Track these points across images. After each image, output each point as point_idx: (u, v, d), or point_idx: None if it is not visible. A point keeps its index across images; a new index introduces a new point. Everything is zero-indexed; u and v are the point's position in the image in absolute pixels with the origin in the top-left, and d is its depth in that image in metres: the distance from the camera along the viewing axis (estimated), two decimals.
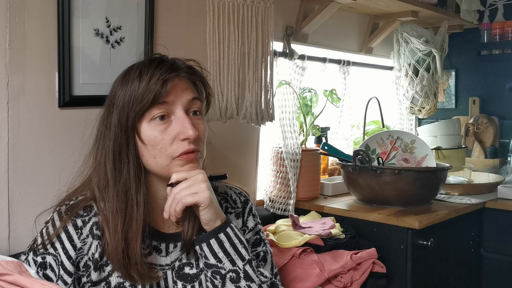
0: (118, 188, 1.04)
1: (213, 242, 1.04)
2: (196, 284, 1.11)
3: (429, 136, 2.47)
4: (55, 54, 1.36)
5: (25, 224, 1.30)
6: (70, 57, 1.38)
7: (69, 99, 1.38)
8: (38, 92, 1.33)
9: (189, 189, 1.02)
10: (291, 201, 1.95)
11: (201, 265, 1.12)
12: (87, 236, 1.04)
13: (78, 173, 1.12)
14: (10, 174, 1.29)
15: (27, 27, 1.30)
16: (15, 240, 1.30)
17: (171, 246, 1.12)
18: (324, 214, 1.93)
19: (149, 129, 1.04)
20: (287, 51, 2.01)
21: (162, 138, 1.03)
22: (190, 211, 1.08)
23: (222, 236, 1.04)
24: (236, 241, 1.05)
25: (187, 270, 1.11)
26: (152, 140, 1.04)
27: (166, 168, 1.05)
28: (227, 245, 1.04)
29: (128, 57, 1.49)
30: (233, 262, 1.04)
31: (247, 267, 1.05)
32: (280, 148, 1.99)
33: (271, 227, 1.76)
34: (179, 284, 1.10)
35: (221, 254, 1.04)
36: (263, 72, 1.76)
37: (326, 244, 1.65)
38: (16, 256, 1.14)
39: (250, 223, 1.22)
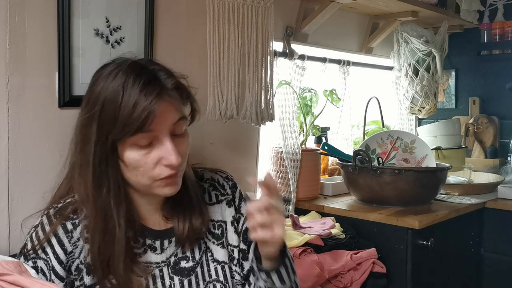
0: (97, 206, 1.00)
1: (281, 269, 1.07)
2: (193, 278, 1.10)
3: (429, 136, 2.47)
4: (55, 54, 1.35)
5: (33, 219, 1.29)
6: (70, 57, 1.38)
7: (69, 99, 1.38)
8: (38, 92, 1.33)
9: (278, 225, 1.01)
10: (291, 201, 1.95)
11: (197, 257, 1.12)
12: (78, 239, 1.03)
13: (63, 174, 1.10)
14: (10, 174, 1.29)
15: (27, 27, 1.30)
16: (15, 240, 1.30)
17: (166, 242, 1.10)
18: (324, 214, 1.93)
19: (131, 152, 0.99)
20: (287, 51, 2.01)
21: (145, 162, 1.00)
22: (179, 208, 1.09)
23: (286, 260, 1.08)
24: (291, 259, 1.10)
25: (183, 264, 1.10)
26: (134, 163, 1.00)
27: (147, 187, 1.03)
28: (289, 268, 1.08)
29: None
30: (291, 279, 1.09)
31: (296, 279, 1.11)
32: (280, 148, 1.99)
33: None
34: (176, 279, 1.09)
35: (285, 277, 1.07)
36: (263, 72, 1.76)
37: (326, 244, 1.65)
38: (16, 256, 1.14)
39: (244, 211, 1.22)
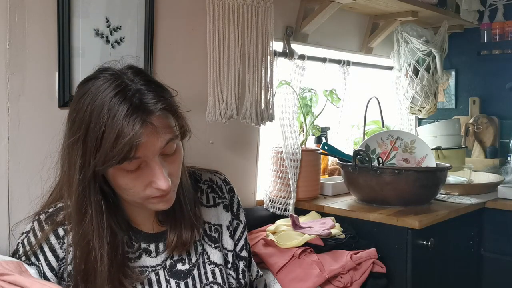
0: (80, 231, 0.98)
1: None
2: (190, 280, 1.09)
3: (429, 136, 2.47)
4: (55, 54, 1.36)
5: (25, 224, 1.29)
6: (70, 57, 1.38)
7: (69, 99, 1.38)
8: (38, 92, 1.33)
9: None
10: (291, 201, 1.95)
11: (194, 259, 1.11)
12: (70, 245, 1.01)
13: (55, 179, 1.08)
14: (10, 174, 1.29)
15: (27, 27, 1.30)
16: (15, 240, 1.30)
17: (161, 245, 1.10)
18: (324, 214, 1.93)
19: (119, 177, 0.96)
20: (287, 51, 2.01)
21: (134, 185, 0.97)
22: (172, 215, 1.07)
23: None
24: None
25: (179, 266, 1.10)
26: (124, 186, 0.97)
27: (140, 204, 1.02)
28: None
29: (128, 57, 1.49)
30: None
31: None
32: (280, 148, 1.98)
33: (271, 227, 1.76)
34: (172, 282, 1.08)
35: None
36: (263, 72, 1.76)
37: (326, 244, 1.65)
38: None
39: (242, 217, 1.22)
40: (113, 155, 0.90)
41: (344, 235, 1.74)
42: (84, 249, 0.97)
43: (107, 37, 1.46)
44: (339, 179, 2.22)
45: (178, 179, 1.04)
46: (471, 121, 2.81)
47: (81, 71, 1.41)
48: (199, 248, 1.13)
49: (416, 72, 2.50)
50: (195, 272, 1.10)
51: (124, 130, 0.89)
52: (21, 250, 1.04)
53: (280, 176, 2.00)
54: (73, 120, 0.97)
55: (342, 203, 2.00)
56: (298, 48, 2.07)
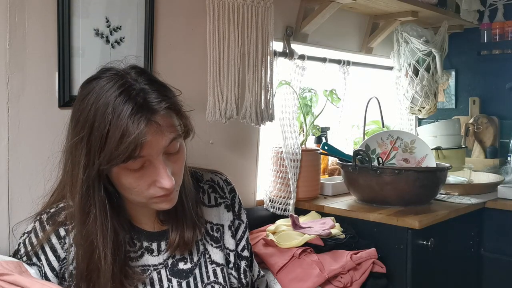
0: (83, 230, 0.98)
1: None
2: (191, 279, 1.10)
3: (429, 136, 2.47)
4: (55, 54, 1.36)
5: (25, 224, 1.29)
6: (70, 57, 1.38)
7: (69, 99, 1.38)
8: (38, 92, 1.33)
9: None
10: (291, 201, 1.95)
11: (195, 259, 1.11)
12: (71, 245, 1.01)
13: (57, 179, 1.09)
14: (10, 174, 1.29)
15: (27, 27, 1.30)
16: (15, 240, 1.30)
17: (163, 244, 1.10)
18: (324, 214, 1.93)
19: (123, 176, 0.97)
20: (287, 51, 2.01)
21: (138, 184, 0.97)
22: (174, 214, 1.08)
23: None
24: None
25: (181, 265, 1.10)
26: (127, 185, 0.98)
27: (143, 204, 1.03)
28: None
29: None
30: None
31: None
32: (280, 148, 1.98)
33: (271, 227, 1.76)
34: (174, 281, 1.08)
35: None
36: (263, 72, 1.76)
37: (326, 244, 1.65)
38: None
39: (244, 217, 1.22)
40: (118, 154, 0.90)
41: (344, 235, 1.74)
42: (87, 249, 0.97)
43: (107, 37, 1.46)
44: (339, 179, 2.22)
45: (181, 178, 1.04)
46: (471, 121, 2.81)
47: (81, 71, 1.41)
48: (201, 247, 1.13)
49: (416, 72, 2.50)
50: (197, 271, 1.11)
51: (129, 129, 0.90)
52: (22, 250, 1.04)
53: (280, 176, 2.00)
54: (77, 120, 0.97)
55: (342, 203, 2.00)
56: (298, 48, 2.07)
